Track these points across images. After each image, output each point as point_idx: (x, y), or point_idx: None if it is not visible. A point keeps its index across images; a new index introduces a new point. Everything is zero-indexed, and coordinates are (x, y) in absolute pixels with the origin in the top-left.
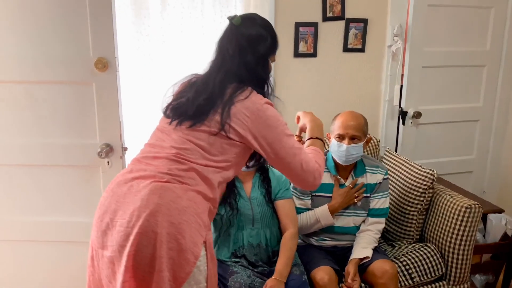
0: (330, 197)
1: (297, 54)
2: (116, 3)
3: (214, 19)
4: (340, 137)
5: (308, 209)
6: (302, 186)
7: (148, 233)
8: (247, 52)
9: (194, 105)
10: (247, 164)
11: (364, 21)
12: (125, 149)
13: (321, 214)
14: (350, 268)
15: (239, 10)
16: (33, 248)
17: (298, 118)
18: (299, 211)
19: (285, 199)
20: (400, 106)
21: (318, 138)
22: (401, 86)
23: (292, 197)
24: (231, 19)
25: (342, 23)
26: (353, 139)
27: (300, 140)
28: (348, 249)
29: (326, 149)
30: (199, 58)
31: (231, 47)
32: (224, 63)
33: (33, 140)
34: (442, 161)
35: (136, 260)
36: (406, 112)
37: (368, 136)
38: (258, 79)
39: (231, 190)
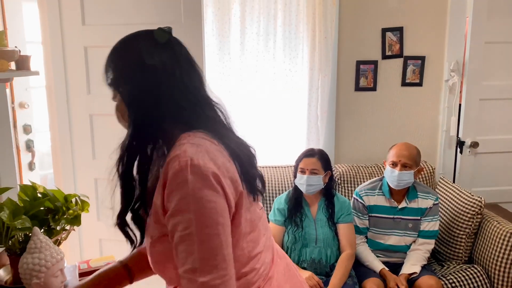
0: (385, 218)
1: (357, 88)
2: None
3: (284, 61)
4: (394, 164)
5: (367, 228)
6: None
7: None
8: None
9: None
10: None
11: (422, 58)
12: None
13: (372, 265)
14: (401, 281)
15: (306, 53)
16: None
17: None
18: (360, 230)
19: (346, 223)
20: (457, 136)
21: None
22: (459, 115)
23: (352, 221)
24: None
25: (400, 60)
26: (405, 166)
27: None
28: (399, 266)
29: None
30: (271, 94)
31: None
32: None
33: None
34: (502, 190)
35: None
36: (464, 142)
37: (420, 166)
38: None
39: (297, 209)
